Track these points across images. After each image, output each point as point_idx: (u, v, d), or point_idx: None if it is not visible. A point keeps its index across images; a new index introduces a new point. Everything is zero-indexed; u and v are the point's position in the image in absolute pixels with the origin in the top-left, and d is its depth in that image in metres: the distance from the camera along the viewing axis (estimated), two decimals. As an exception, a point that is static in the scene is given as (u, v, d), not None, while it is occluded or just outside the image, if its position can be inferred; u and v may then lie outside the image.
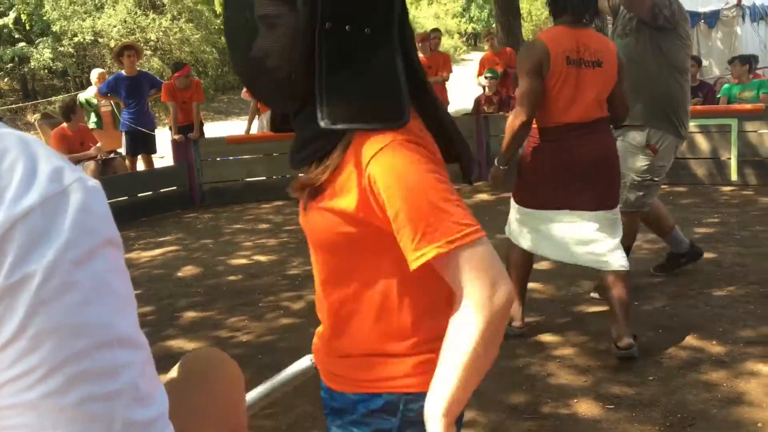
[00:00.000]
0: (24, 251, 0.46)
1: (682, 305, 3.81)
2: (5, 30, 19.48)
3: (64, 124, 7.44)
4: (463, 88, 13.20)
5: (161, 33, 19.85)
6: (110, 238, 0.50)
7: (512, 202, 3.54)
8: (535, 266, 4.71)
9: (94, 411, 0.48)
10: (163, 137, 8.75)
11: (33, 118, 15.09)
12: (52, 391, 0.47)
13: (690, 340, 3.38)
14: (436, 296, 1.13)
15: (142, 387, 0.50)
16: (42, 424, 0.46)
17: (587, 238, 3.29)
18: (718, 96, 7.62)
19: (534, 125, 3.32)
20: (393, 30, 1.08)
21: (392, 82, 1.06)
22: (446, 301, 1.10)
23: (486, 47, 9.95)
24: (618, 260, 3.26)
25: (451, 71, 8.94)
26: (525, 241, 3.47)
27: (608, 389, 2.97)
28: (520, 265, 3.56)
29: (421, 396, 1.09)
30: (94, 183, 0.52)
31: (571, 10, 3.22)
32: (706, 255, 4.59)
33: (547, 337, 3.57)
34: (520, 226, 3.48)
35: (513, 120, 3.30)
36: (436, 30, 9.65)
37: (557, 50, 3.16)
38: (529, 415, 2.82)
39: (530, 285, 4.34)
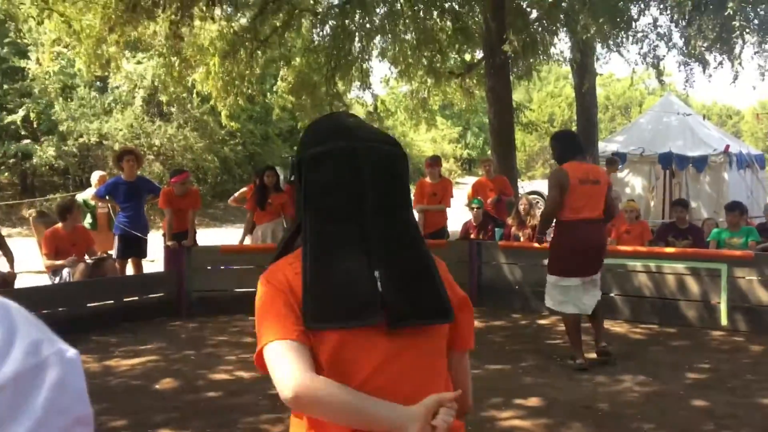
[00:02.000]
0: None
1: (674, 456, 3.69)
2: (12, 126, 19.91)
3: (59, 225, 7.45)
4: (457, 212, 13.39)
5: (166, 139, 20.31)
6: (81, 417, 0.48)
7: (547, 277, 5.58)
8: (525, 403, 4.62)
9: None
10: (155, 241, 8.75)
11: (27, 213, 15.15)
12: None
13: (683, 495, 3.24)
14: None
15: None
16: None
17: (586, 293, 5.45)
18: (708, 239, 7.74)
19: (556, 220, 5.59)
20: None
21: None
22: None
23: (481, 172, 10.13)
24: (594, 306, 5.52)
25: (452, 197, 9.02)
26: (557, 305, 5.53)
27: None
28: (571, 321, 5.48)
29: None
30: (72, 354, 0.49)
31: (577, 155, 5.50)
32: (699, 403, 4.51)
33: (534, 482, 3.42)
34: (553, 293, 5.54)
35: (544, 211, 5.80)
36: (438, 157, 9.84)
37: (574, 175, 5.33)
38: None
39: (517, 423, 4.23)
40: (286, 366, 1.31)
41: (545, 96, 43.57)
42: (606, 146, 14.15)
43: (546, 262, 5.82)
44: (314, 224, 1.42)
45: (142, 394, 4.87)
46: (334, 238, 1.41)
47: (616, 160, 12.07)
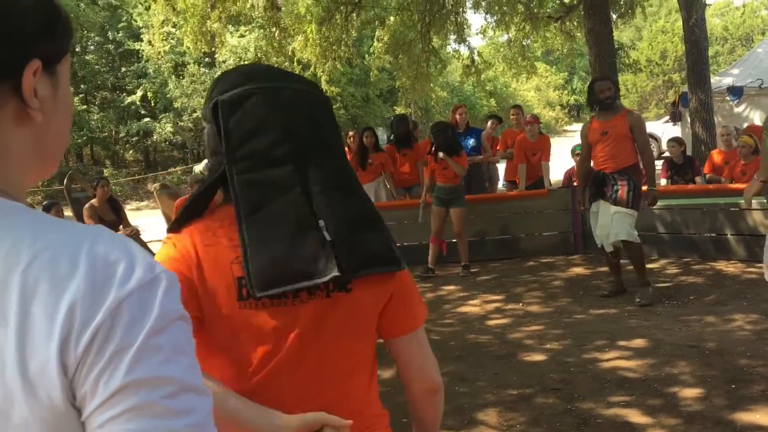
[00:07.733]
0: (129, 323, 0.63)
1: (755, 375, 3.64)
2: (133, 106, 21.25)
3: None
4: (563, 160, 13.17)
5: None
6: (182, 314, 0.67)
7: (632, 213, 5.65)
8: (629, 344, 4.64)
9: None
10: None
11: (152, 187, 16.26)
12: (141, 425, 0.62)
13: (790, 428, 3.23)
14: None
15: (207, 425, 0.65)
16: None
17: None
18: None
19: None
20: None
21: None
22: None
23: None
24: None
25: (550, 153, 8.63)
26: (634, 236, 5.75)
27: (698, 475, 2.87)
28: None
29: None
30: (173, 273, 0.68)
31: None
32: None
33: (637, 418, 3.49)
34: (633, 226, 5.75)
35: (652, 158, 5.91)
36: (536, 116, 9.46)
37: None
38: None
39: (621, 363, 4.27)
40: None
41: (656, 32, 41.29)
42: (720, 80, 13.40)
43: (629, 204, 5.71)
44: (243, 174, 1.20)
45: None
46: (268, 186, 1.20)
47: None
